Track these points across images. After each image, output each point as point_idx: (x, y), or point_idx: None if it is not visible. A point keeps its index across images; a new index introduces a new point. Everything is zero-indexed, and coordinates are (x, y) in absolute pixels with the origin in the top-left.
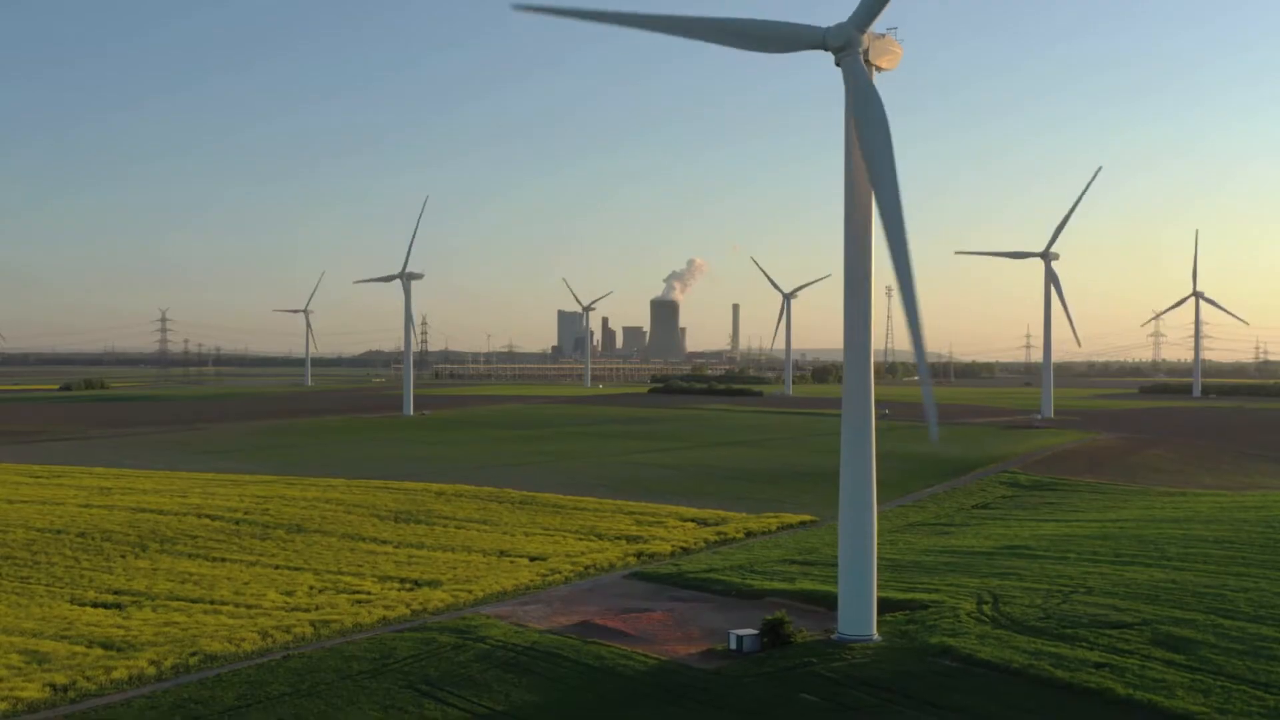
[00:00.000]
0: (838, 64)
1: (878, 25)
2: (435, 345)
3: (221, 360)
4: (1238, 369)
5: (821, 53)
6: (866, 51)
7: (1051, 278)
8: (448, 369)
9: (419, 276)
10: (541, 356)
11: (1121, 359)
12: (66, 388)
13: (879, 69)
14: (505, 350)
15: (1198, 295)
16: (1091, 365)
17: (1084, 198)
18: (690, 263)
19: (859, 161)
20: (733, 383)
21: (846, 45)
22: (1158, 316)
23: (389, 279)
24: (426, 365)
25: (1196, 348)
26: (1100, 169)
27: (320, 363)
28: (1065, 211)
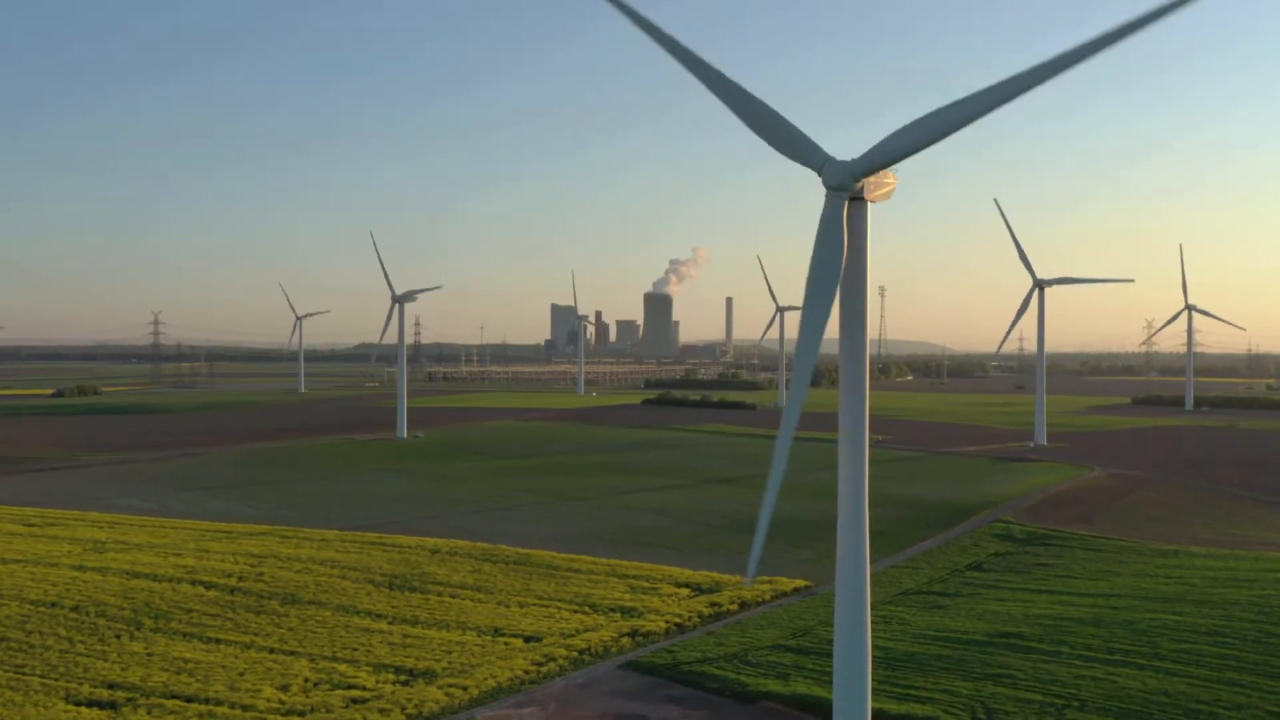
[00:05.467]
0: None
1: None
2: (428, 338)
3: (214, 355)
4: (1230, 366)
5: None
6: (861, 189)
7: (1040, 303)
8: (440, 372)
9: (413, 298)
10: (535, 350)
11: (1115, 350)
12: (60, 394)
13: (870, 202)
14: (499, 344)
15: (1190, 308)
16: (1084, 362)
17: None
18: (694, 251)
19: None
20: (726, 390)
21: (839, 187)
22: (1151, 336)
23: (390, 285)
24: (419, 362)
25: (1190, 361)
26: (1132, 281)
27: (313, 357)
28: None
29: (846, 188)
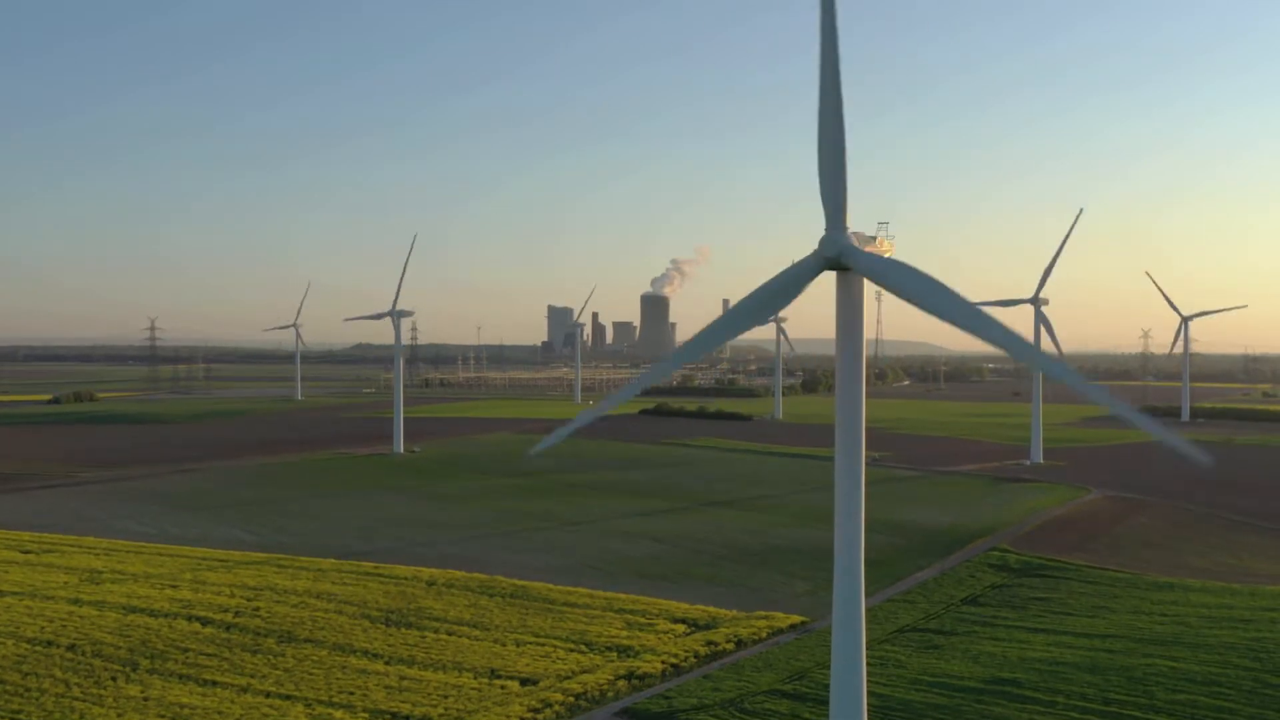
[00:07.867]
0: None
1: (869, 226)
2: (425, 339)
3: (211, 355)
4: (1226, 371)
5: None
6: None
7: (1042, 321)
8: (437, 377)
9: (409, 314)
10: (532, 351)
11: (1112, 352)
12: (56, 400)
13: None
14: (496, 344)
15: (1185, 320)
16: (1081, 365)
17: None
18: (697, 249)
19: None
20: (723, 399)
21: (840, 254)
22: (1147, 340)
23: (379, 316)
24: (415, 364)
25: (1185, 370)
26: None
27: (310, 358)
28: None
29: (850, 252)
